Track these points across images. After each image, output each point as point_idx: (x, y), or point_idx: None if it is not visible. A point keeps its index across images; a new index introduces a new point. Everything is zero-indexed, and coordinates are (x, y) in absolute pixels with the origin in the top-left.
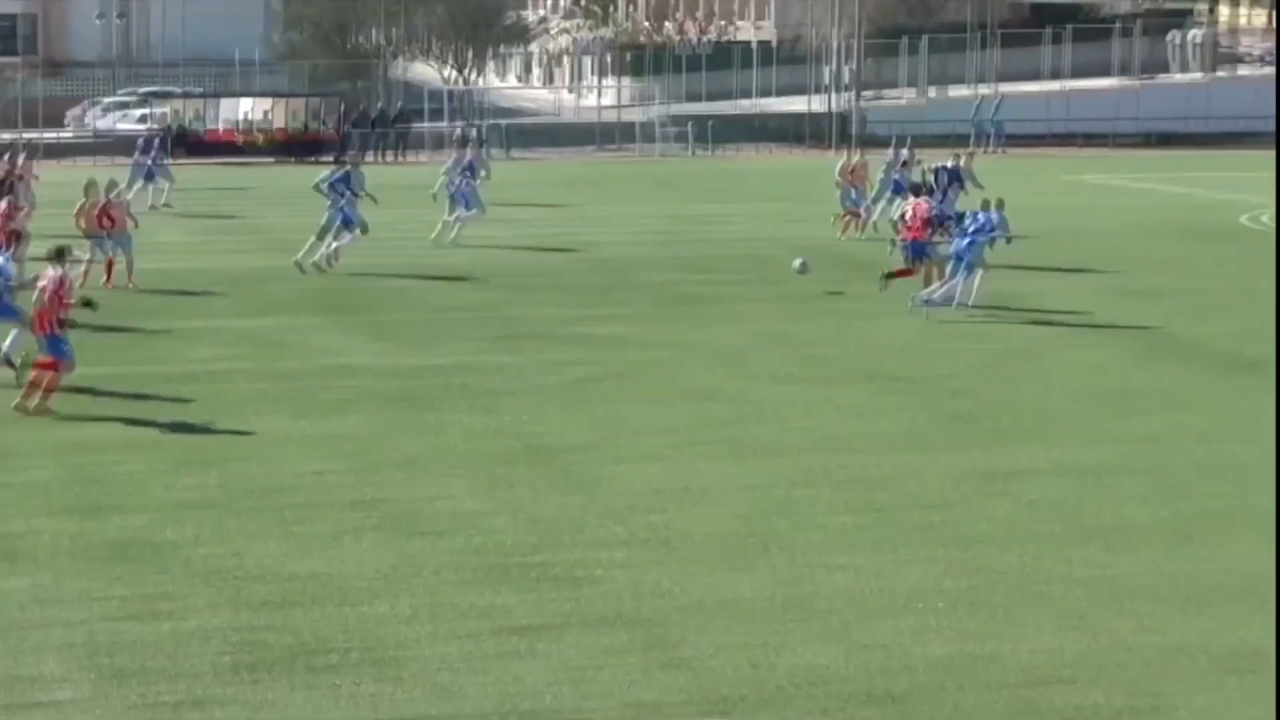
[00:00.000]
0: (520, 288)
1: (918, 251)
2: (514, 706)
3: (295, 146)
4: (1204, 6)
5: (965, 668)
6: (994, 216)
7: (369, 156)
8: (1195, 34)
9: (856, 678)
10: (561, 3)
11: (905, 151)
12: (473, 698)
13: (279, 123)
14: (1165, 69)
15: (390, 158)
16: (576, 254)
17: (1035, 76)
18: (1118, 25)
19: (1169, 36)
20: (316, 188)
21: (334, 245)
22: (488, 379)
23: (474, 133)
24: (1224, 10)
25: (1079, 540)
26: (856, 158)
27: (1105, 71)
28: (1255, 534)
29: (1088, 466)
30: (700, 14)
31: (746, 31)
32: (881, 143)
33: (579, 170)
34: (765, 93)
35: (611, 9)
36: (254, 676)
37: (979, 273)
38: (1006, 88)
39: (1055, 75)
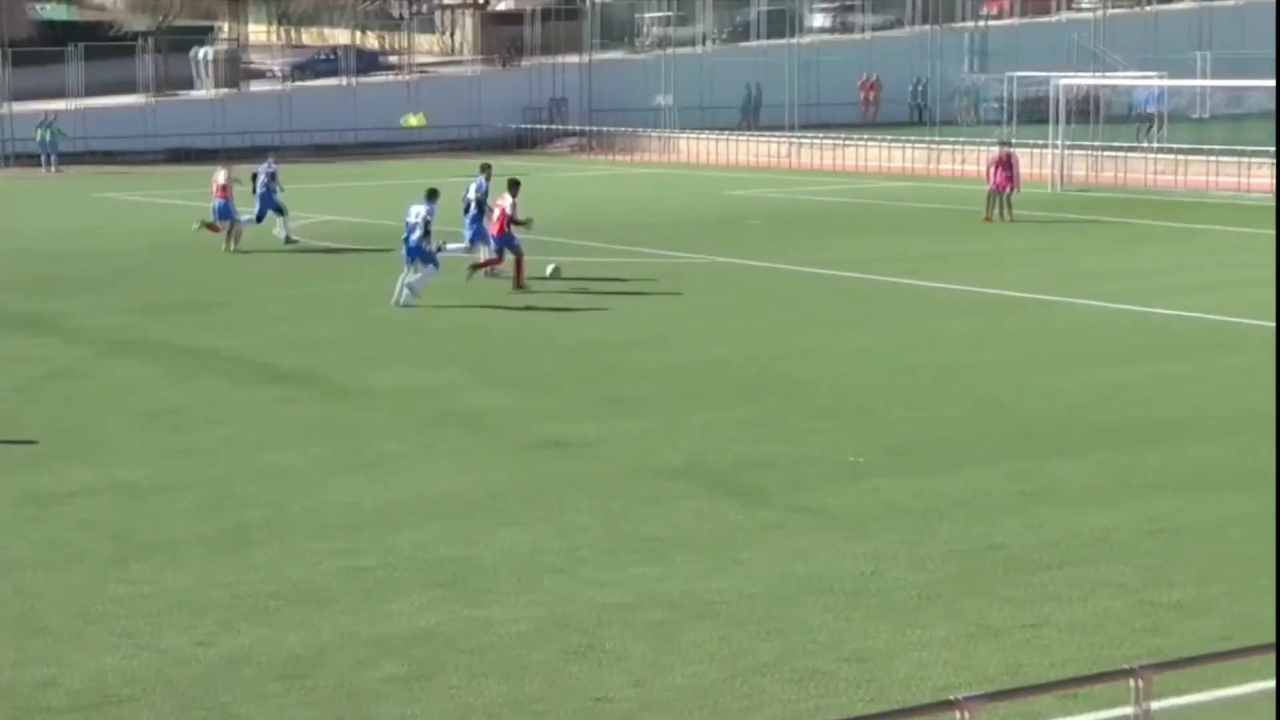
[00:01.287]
0: None
1: (503, 243)
2: None
3: None
4: (225, 24)
5: (19, 695)
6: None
7: None
8: (215, 50)
9: None
10: None
11: (270, 165)
12: None
13: None
14: (190, 85)
15: None
16: None
17: (61, 94)
18: (140, 43)
19: (191, 53)
20: None
21: None
22: None
23: None
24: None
25: (131, 557)
26: (224, 175)
27: (130, 89)
28: (304, 539)
29: (136, 484)
30: None
31: None
32: None
33: None
34: None
35: None
36: None
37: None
38: (35, 106)
39: (78, 93)
